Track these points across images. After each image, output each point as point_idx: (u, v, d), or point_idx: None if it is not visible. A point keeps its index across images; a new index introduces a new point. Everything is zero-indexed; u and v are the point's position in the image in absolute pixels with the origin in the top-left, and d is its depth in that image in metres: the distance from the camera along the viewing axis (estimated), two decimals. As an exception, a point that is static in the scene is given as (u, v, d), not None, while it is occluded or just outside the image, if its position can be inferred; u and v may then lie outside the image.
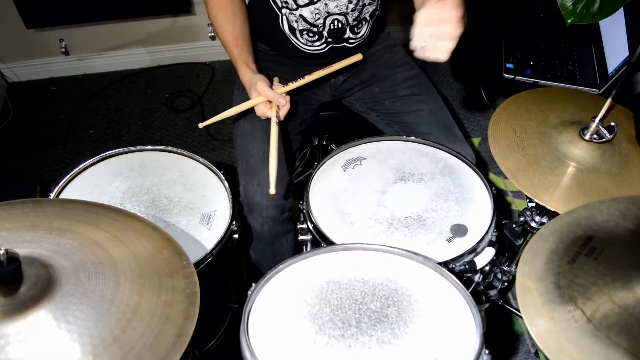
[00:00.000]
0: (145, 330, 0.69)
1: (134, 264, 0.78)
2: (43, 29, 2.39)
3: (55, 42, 2.44)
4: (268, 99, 1.18)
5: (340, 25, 1.31)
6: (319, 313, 0.89)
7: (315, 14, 1.27)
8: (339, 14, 1.28)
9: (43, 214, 0.84)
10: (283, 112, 1.18)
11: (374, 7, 1.34)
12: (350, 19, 1.31)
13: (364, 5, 1.31)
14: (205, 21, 2.50)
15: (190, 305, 0.74)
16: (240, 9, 1.28)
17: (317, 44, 1.34)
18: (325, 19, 1.28)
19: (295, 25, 1.30)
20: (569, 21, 1.02)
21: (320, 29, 1.30)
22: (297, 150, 1.40)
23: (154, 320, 0.71)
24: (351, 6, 1.28)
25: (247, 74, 1.22)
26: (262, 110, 1.19)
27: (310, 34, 1.31)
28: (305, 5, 1.26)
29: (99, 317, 0.69)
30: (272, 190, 1.08)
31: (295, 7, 1.26)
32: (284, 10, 1.28)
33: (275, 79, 1.27)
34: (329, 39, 1.33)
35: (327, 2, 1.26)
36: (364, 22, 1.35)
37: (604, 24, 1.90)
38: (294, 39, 1.34)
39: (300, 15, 1.28)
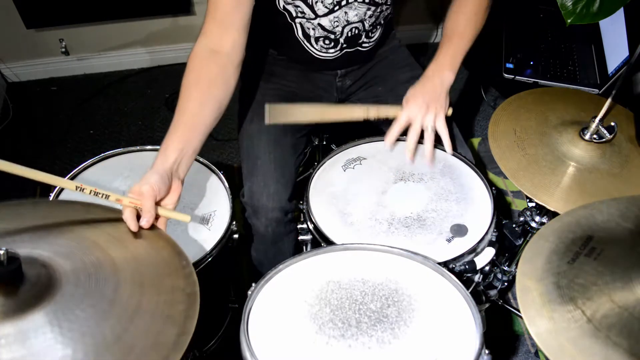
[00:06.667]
0: (146, 330, 0.69)
1: (134, 264, 0.78)
2: (43, 29, 2.38)
3: (55, 42, 2.44)
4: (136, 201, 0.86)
5: (357, 32, 1.29)
6: (319, 313, 0.89)
7: (335, 22, 1.24)
8: (357, 22, 1.26)
9: (42, 214, 0.85)
10: (143, 222, 0.85)
11: (388, 12, 1.33)
12: (367, 25, 1.29)
13: (381, 12, 1.29)
14: (205, 21, 2.50)
15: (190, 305, 0.74)
16: (225, 94, 1.07)
17: (331, 50, 1.32)
18: (344, 28, 1.26)
19: (311, 32, 1.27)
20: (569, 21, 1.02)
21: (338, 37, 1.28)
22: (301, 152, 1.39)
23: (155, 320, 0.71)
24: (369, 12, 1.26)
25: (166, 159, 0.92)
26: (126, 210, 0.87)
27: (327, 41, 1.28)
28: (325, 15, 1.22)
29: (100, 317, 0.69)
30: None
31: (313, 16, 1.23)
32: (298, 20, 1.25)
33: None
34: (344, 45, 1.32)
35: (347, 11, 1.22)
36: (378, 27, 1.34)
37: (604, 24, 1.91)
38: (308, 45, 1.31)
39: (319, 24, 1.25)
